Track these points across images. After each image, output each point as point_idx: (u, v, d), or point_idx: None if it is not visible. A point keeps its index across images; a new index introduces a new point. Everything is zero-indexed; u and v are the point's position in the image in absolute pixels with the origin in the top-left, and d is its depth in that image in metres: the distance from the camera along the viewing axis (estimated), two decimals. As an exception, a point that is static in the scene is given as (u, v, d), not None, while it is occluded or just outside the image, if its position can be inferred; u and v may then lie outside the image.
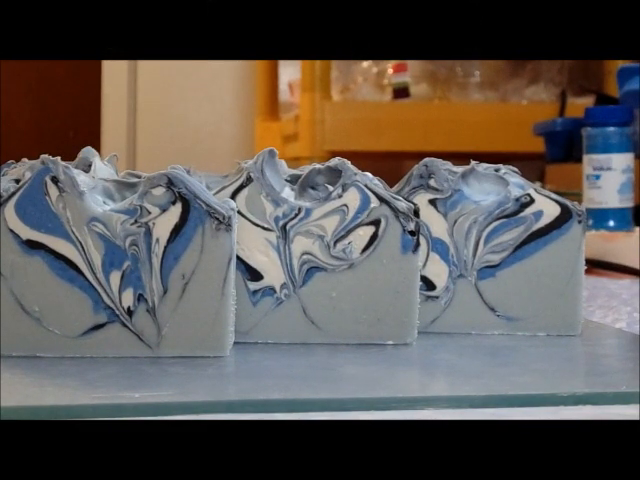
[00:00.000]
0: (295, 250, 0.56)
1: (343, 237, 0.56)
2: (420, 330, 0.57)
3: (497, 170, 0.62)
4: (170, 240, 0.52)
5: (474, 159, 0.62)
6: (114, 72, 2.47)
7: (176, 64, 2.41)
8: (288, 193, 0.57)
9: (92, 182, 0.53)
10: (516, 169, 0.63)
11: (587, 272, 0.61)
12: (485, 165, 0.62)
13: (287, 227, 0.56)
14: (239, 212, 0.56)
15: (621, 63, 1.59)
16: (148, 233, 0.52)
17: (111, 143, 2.43)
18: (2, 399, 0.42)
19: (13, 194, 0.52)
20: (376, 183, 0.58)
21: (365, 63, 2.11)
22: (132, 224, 0.52)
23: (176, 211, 0.52)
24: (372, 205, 0.56)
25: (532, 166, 1.71)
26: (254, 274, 0.56)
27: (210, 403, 0.43)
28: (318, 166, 0.58)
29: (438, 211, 0.61)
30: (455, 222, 0.60)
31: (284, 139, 2.12)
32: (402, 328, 0.56)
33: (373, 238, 0.56)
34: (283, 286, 0.56)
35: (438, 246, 0.61)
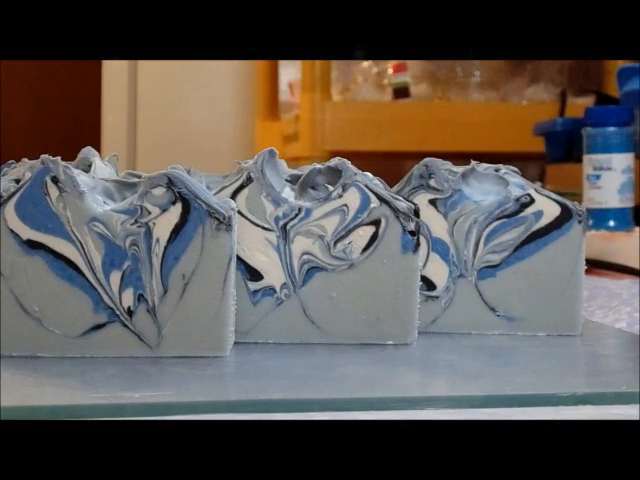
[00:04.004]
0: (295, 250, 0.56)
1: (343, 237, 0.56)
2: (420, 330, 0.57)
3: (497, 170, 0.62)
4: (170, 240, 0.52)
5: (474, 159, 0.62)
6: (114, 72, 2.47)
7: (176, 64, 2.41)
8: (288, 193, 0.57)
9: (92, 182, 0.53)
10: (516, 169, 0.63)
11: (587, 272, 0.61)
12: (485, 165, 0.62)
13: (287, 227, 0.56)
14: (239, 212, 0.56)
15: (621, 63, 1.59)
16: (148, 233, 0.52)
17: (111, 143, 2.43)
18: (2, 399, 0.42)
19: (13, 194, 0.52)
20: (376, 183, 0.58)
21: (365, 63, 2.11)
22: (132, 224, 0.52)
23: (176, 211, 0.52)
24: (372, 205, 0.56)
25: (532, 166, 1.71)
26: (254, 274, 0.56)
27: (210, 403, 0.43)
28: (318, 166, 0.58)
29: (438, 211, 0.61)
30: (455, 222, 0.60)
31: (284, 139, 2.12)
32: (402, 328, 0.56)
33: (373, 238, 0.56)
34: (283, 286, 0.56)
35: (438, 246, 0.61)
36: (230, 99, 2.50)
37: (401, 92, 2.05)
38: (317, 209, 0.56)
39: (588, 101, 1.91)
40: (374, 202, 0.56)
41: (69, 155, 0.58)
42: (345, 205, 0.56)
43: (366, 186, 0.56)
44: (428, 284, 0.61)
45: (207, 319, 0.52)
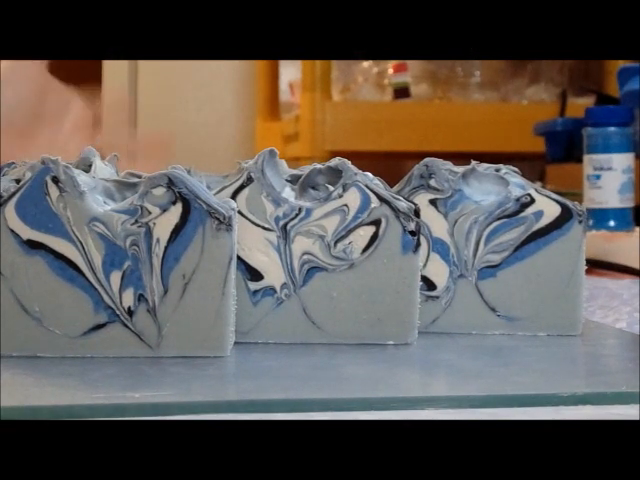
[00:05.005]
0: (295, 250, 0.56)
1: (343, 237, 0.56)
2: (420, 330, 0.57)
3: (497, 170, 0.62)
4: (170, 240, 0.52)
5: (474, 159, 0.62)
6: (114, 72, 2.47)
7: (176, 64, 2.41)
8: (288, 193, 0.57)
9: (92, 182, 0.53)
10: (516, 169, 0.63)
11: (587, 272, 0.61)
12: (485, 165, 0.62)
13: (287, 227, 0.56)
14: (239, 212, 0.56)
15: (621, 63, 1.59)
16: (148, 233, 0.52)
17: (111, 143, 2.43)
18: (2, 399, 0.42)
19: (13, 194, 0.52)
20: (376, 183, 0.58)
21: (365, 63, 2.12)
22: (132, 224, 0.52)
23: (176, 211, 0.52)
24: (372, 205, 0.56)
25: (532, 166, 1.71)
26: (254, 274, 0.56)
27: (210, 403, 0.43)
28: (318, 166, 0.58)
29: (438, 211, 0.61)
30: (455, 222, 0.60)
31: (285, 139, 2.12)
32: (402, 328, 0.56)
33: (373, 238, 0.56)
34: (283, 286, 0.56)
35: (438, 246, 0.61)
36: (230, 99, 2.50)
37: (401, 92, 2.05)
38: (317, 209, 0.56)
39: (588, 101, 1.91)
40: (374, 202, 0.56)
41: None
42: (345, 205, 0.56)
43: (366, 186, 0.56)
44: (428, 284, 0.61)
45: (207, 319, 0.52)
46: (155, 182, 0.52)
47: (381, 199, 0.56)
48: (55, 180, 0.52)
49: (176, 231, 0.52)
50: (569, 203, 0.60)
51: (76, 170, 0.53)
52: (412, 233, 0.56)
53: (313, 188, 0.57)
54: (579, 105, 1.79)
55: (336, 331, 0.56)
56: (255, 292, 0.56)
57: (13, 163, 0.57)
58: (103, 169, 0.57)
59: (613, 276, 1.03)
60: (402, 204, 0.56)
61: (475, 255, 0.60)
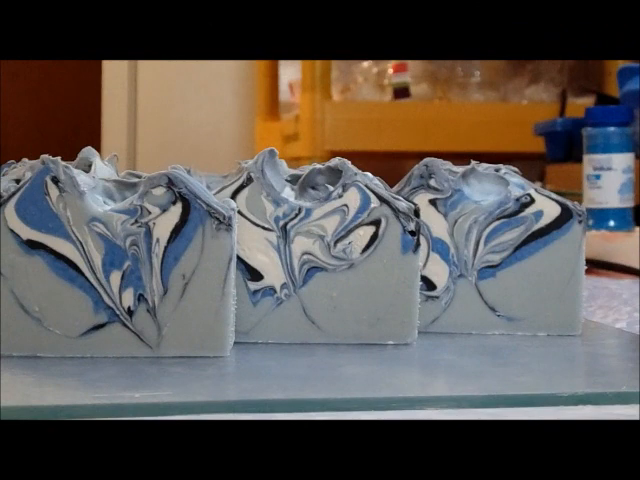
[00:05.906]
0: (295, 250, 0.56)
1: (343, 237, 0.56)
2: (420, 330, 0.57)
3: (497, 170, 0.62)
4: (170, 240, 0.52)
5: (474, 159, 0.62)
6: (114, 72, 2.47)
7: (176, 64, 2.41)
8: (288, 193, 0.57)
9: (92, 182, 0.53)
10: (516, 169, 0.63)
11: (587, 272, 0.61)
12: (485, 165, 0.62)
13: (287, 227, 0.56)
14: (239, 212, 0.56)
15: (621, 63, 1.59)
16: (148, 233, 0.52)
17: (111, 143, 2.43)
18: (2, 399, 0.42)
19: (13, 194, 0.52)
20: (376, 183, 0.58)
21: (365, 63, 2.12)
22: (132, 224, 0.52)
23: (176, 211, 0.52)
24: (372, 205, 0.56)
25: (532, 166, 1.71)
26: (254, 274, 0.56)
27: (210, 403, 0.43)
28: (318, 166, 0.58)
29: (438, 211, 0.61)
30: (455, 222, 0.60)
31: (284, 139, 2.12)
32: (402, 328, 0.56)
33: (373, 238, 0.56)
34: (283, 286, 0.56)
35: (438, 246, 0.61)
36: (230, 99, 2.50)
37: (401, 92, 2.05)
38: (317, 209, 0.56)
39: (588, 101, 1.91)
40: (374, 202, 0.56)
41: (69, 155, 0.58)
42: (345, 205, 0.56)
43: (366, 186, 0.56)
44: (428, 284, 0.61)
45: (207, 319, 0.52)
46: (155, 182, 0.52)
47: (381, 199, 0.56)
48: (55, 180, 0.52)
49: (176, 231, 0.52)
50: (569, 203, 0.60)
51: (76, 170, 0.53)
52: (412, 233, 0.56)
53: (313, 188, 0.57)
54: (579, 105, 1.79)
55: (336, 331, 0.56)
56: (255, 292, 0.57)
57: (13, 163, 0.57)
58: (103, 169, 0.57)
59: (613, 276, 1.03)
60: (402, 204, 0.56)
61: (475, 255, 0.60)
